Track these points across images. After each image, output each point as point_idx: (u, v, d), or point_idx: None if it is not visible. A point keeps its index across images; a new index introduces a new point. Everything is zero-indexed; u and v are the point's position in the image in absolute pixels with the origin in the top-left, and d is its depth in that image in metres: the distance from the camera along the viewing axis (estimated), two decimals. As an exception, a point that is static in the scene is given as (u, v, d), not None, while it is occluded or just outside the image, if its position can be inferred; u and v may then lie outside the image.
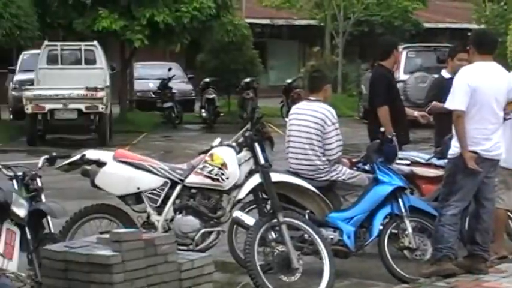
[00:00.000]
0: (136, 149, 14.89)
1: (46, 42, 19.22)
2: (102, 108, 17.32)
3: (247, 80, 22.81)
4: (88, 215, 6.77)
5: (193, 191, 6.70)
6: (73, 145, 16.03)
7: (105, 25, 19.75)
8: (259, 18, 32.89)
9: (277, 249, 6.29)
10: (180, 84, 25.20)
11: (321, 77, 7.55)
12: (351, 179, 7.14)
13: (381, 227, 7.00)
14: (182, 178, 6.67)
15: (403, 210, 7.02)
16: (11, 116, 22.17)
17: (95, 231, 6.56)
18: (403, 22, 31.59)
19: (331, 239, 6.87)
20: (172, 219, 6.63)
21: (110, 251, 5.16)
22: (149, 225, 6.65)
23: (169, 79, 23.56)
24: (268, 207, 6.54)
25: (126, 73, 23.69)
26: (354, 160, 7.50)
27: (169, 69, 24.15)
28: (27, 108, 17.28)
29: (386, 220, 7.08)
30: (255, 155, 6.57)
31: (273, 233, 6.37)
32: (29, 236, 5.79)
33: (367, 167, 7.25)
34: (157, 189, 6.66)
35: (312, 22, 32.45)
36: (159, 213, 6.66)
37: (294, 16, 33.61)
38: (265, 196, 6.62)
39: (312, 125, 7.11)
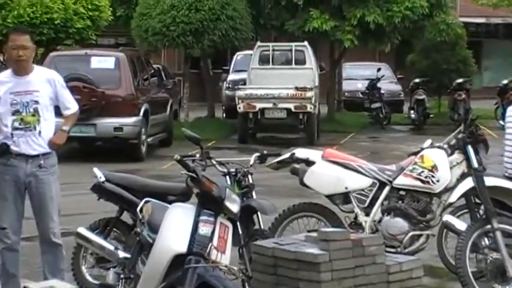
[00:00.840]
0: (343, 149, 14.86)
1: (259, 43, 19.73)
2: (311, 108, 17.52)
3: (460, 80, 22.15)
4: (296, 213, 6.86)
5: (401, 192, 6.62)
6: (282, 144, 16.34)
7: (316, 26, 19.95)
8: (474, 17, 31.88)
9: (491, 257, 6.07)
10: (389, 85, 24.95)
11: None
12: None
13: None
14: (391, 179, 6.60)
15: None
16: (224, 115, 23.00)
17: (303, 229, 6.64)
18: None
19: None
20: (380, 221, 6.57)
21: (317, 249, 5.19)
22: (356, 225, 6.63)
23: (378, 79, 23.38)
24: (481, 212, 6.32)
25: (335, 73, 23.82)
26: None
27: (378, 70, 23.96)
28: (239, 107, 17.83)
29: None
30: (467, 158, 6.38)
31: (486, 239, 6.16)
32: (240, 231, 5.97)
33: None
34: (366, 190, 6.64)
35: (530, 20, 31.04)
36: (367, 214, 6.62)
37: (512, 14, 32.31)
38: (477, 201, 6.41)
39: (529, 128, 6.77)
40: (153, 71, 18.23)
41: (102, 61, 15.33)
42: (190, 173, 5.58)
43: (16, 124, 5.98)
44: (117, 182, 6.34)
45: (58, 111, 6.20)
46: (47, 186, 6.04)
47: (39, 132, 6.00)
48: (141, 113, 15.25)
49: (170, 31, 19.18)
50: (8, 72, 6.14)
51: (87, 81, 14.11)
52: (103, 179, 6.32)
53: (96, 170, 6.38)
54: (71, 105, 6.21)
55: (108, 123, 14.68)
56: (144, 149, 15.42)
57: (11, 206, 6.00)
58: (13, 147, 5.95)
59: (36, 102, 6.00)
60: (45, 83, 6.06)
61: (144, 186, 6.33)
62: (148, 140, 15.78)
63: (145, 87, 16.37)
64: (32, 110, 5.99)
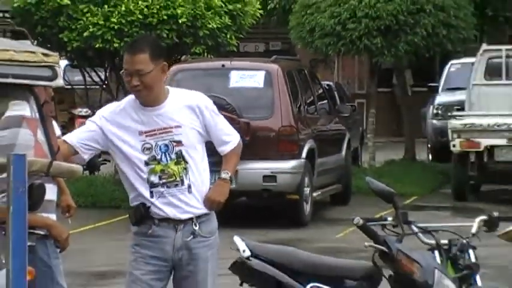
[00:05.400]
0: None
1: (485, 46, 19.50)
2: None
3: None
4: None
5: None
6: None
7: None
8: None
9: None
10: None
11: None
12: None
13: None
14: None
15: None
16: (431, 156, 22.85)
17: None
18: None
19: None
20: None
21: None
22: None
23: None
24: None
25: None
26: None
27: None
28: (454, 145, 17.66)
29: None
30: None
31: None
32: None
33: None
34: None
35: None
36: None
37: None
38: None
39: None
40: (322, 90, 18.39)
41: (247, 77, 15.62)
42: (379, 246, 5.56)
43: (154, 178, 6.13)
44: (269, 257, 6.40)
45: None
46: (202, 264, 6.20)
47: (189, 186, 6.12)
48: (304, 155, 15.39)
49: (348, 30, 19.32)
50: (129, 101, 6.24)
51: (225, 106, 14.39)
52: (248, 253, 6.39)
53: (237, 240, 6.46)
54: (230, 138, 6.29)
55: (255, 169, 14.91)
56: (308, 208, 15.53)
57: None
58: (154, 210, 6.12)
59: (179, 143, 6.13)
60: (187, 112, 6.16)
61: (310, 265, 6.37)
62: (315, 194, 15.89)
63: (310, 116, 16.54)
64: (174, 155, 6.13)
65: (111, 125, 6.15)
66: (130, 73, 6.06)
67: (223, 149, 6.26)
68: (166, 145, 6.10)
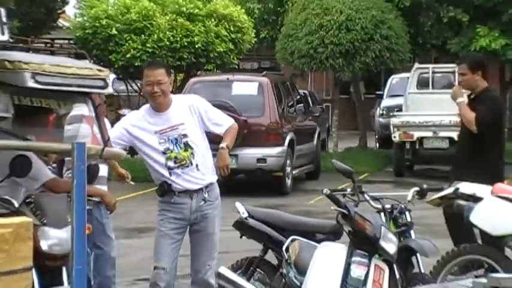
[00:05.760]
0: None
1: (417, 65, 19.50)
2: (478, 137, 17.09)
3: None
4: (462, 256, 6.67)
5: None
6: (443, 177, 16.00)
7: (483, 44, 19.53)
8: None
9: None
10: None
11: None
12: None
13: None
14: None
15: None
16: (378, 145, 22.85)
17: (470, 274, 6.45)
18: None
19: None
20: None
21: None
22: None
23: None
24: None
25: (506, 98, 23.16)
26: None
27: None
28: (394, 136, 17.64)
29: None
30: None
31: None
32: (397, 275, 5.86)
33: None
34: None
35: None
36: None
37: None
38: None
39: None
40: (299, 97, 18.37)
41: (245, 87, 15.60)
42: (341, 209, 5.55)
43: (170, 163, 6.13)
44: (261, 218, 6.39)
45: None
46: (211, 221, 6.22)
47: (197, 165, 6.13)
48: (286, 143, 15.38)
49: (318, 53, 19.29)
50: (146, 109, 6.28)
51: (229, 108, 14.35)
52: (246, 214, 6.39)
53: (238, 205, 6.46)
54: (223, 122, 6.27)
55: (250, 154, 14.89)
56: (289, 182, 15.52)
57: (172, 245, 6.16)
58: (174, 185, 6.12)
59: (185, 135, 6.12)
60: (187, 112, 6.17)
61: (290, 223, 6.35)
62: (294, 172, 15.88)
63: (290, 115, 16.51)
64: (182, 145, 6.13)
65: (134, 128, 6.20)
66: (152, 83, 6.11)
67: (220, 131, 6.25)
68: (176, 138, 6.13)
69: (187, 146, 6.12)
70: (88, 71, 5.06)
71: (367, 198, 6.20)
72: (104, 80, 5.16)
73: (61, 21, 26.61)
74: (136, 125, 6.18)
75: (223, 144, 6.15)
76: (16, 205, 5.26)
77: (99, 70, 5.17)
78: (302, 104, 18.21)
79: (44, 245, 5.12)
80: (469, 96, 7.76)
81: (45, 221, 5.21)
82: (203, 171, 6.14)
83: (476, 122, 7.29)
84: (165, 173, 6.12)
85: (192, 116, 6.17)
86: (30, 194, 5.47)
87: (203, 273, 6.20)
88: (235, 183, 15.90)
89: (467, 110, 7.47)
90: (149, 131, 6.14)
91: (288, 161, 15.45)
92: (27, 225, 3.25)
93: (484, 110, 7.37)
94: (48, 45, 19.96)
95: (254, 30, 20.79)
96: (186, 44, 18.69)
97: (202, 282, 6.22)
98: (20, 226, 3.24)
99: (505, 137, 8.52)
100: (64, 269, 5.28)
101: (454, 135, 17.17)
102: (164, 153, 6.11)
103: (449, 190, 6.75)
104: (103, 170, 6.35)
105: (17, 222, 3.28)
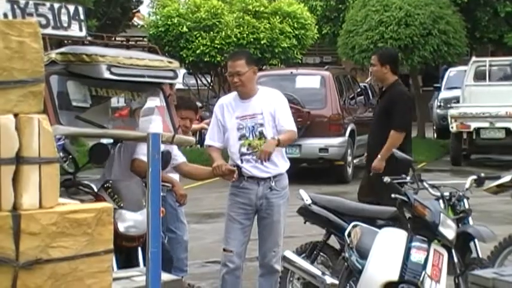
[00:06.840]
0: None
1: (474, 58, 19.20)
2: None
3: None
4: (518, 242, 6.55)
5: None
6: (500, 166, 15.77)
7: (538, 38, 19.14)
8: None
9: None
10: None
11: None
12: None
13: None
14: None
15: None
16: (436, 135, 22.58)
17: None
18: None
19: None
20: None
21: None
22: None
23: None
24: None
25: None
26: None
27: None
28: (452, 127, 17.41)
29: None
30: None
31: None
32: (455, 260, 5.78)
33: None
34: None
35: None
36: None
37: None
38: None
39: None
40: (359, 89, 18.24)
41: (308, 80, 15.55)
42: (401, 197, 5.49)
43: (243, 149, 6.11)
44: (324, 204, 6.36)
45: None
46: (276, 209, 6.16)
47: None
48: (347, 134, 15.30)
49: (378, 48, 19.11)
50: (233, 95, 6.27)
51: (293, 101, 14.34)
52: (309, 201, 6.37)
53: (302, 192, 6.43)
54: (286, 124, 6.11)
55: (313, 144, 14.84)
56: (350, 170, 15.43)
57: (240, 229, 6.16)
58: (244, 171, 6.09)
59: (261, 125, 6.08)
60: (267, 103, 6.13)
61: (352, 209, 6.31)
62: (355, 161, 15.78)
63: (351, 107, 16.41)
64: (257, 133, 6.09)
65: (221, 112, 6.21)
66: (232, 74, 6.08)
67: (282, 130, 6.10)
68: (252, 126, 6.09)
69: (261, 135, 6.09)
70: (159, 63, 5.11)
71: (426, 186, 6.11)
72: (173, 71, 5.19)
73: (136, 20, 26.91)
74: (223, 109, 6.20)
75: (275, 137, 6.03)
76: (95, 189, 5.35)
77: (169, 62, 5.22)
78: (362, 97, 18.05)
79: (121, 227, 5.19)
80: (380, 88, 7.77)
81: (122, 205, 5.28)
82: (273, 161, 6.10)
83: None
84: (238, 158, 6.11)
85: (269, 108, 6.11)
86: (108, 180, 5.54)
87: (269, 259, 6.20)
88: (299, 171, 15.89)
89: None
90: (231, 116, 6.14)
91: (349, 151, 15.36)
92: (108, 210, 3.31)
93: None
94: (124, 42, 20.17)
95: (317, 27, 20.71)
96: (252, 40, 18.72)
97: (267, 267, 6.23)
98: (101, 211, 3.29)
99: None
100: (140, 251, 5.33)
101: (510, 125, 16.97)
102: (240, 139, 6.10)
103: (506, 178, 6.63)
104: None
105: (99, 207, 3.32)
